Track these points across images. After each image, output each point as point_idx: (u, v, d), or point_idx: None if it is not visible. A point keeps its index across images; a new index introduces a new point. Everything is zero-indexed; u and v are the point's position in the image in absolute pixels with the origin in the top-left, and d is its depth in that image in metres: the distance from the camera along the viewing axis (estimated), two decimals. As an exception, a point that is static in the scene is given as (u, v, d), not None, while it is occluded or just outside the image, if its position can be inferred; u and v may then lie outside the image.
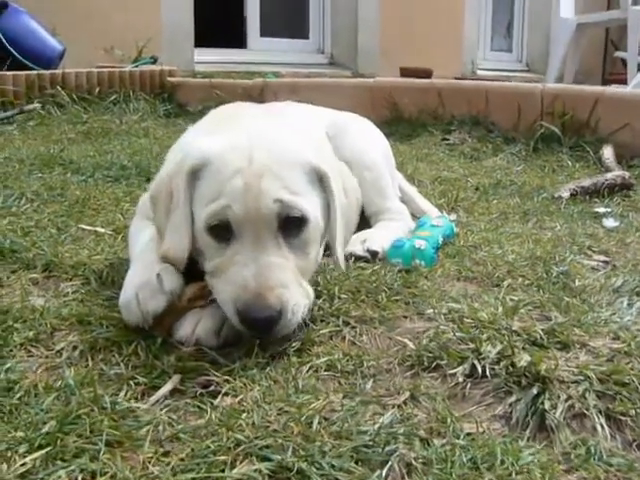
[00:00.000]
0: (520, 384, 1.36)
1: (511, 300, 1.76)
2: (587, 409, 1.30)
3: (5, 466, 1.08)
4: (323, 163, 1.65)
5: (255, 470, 1.09)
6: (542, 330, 1.55)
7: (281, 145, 1.64)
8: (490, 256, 2.17)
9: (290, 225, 1.56)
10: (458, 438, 1.21)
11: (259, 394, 1.32)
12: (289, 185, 1.56)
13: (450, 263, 2.10)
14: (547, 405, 1.30)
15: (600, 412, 1.30)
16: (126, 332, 1.53)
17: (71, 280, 1.87)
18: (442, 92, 4.71)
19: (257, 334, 1.49)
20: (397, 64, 7.46)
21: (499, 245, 2.30)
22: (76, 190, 2.84)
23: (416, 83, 5.15)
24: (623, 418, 1.29)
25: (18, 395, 1.27)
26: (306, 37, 8.46)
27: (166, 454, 1.14)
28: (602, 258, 2.25)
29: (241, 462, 1.11)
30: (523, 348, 1.48)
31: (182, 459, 1.12)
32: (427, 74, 6.86)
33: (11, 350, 1.46)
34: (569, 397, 1.32)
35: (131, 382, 1.35)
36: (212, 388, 1.34)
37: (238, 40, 7.95)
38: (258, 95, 5.28)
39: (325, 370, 1.43)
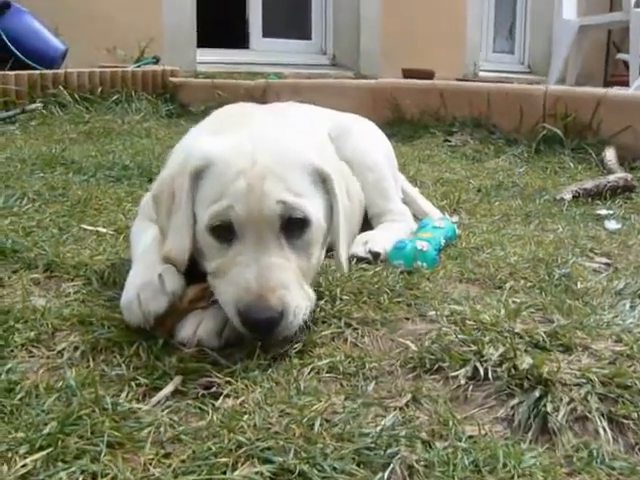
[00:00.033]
0: (522, 387, 1.36)
1: (513, 302, 1.76)
2: (589, 412, 1.29)
3: (5, 467, 1.07)
4: (326, 165, 1.65)
5: (257, 472, 1.09)
6: (544, 333, 1.54)
7: (284, 146, 1.63)
8: (492, 258, 2.16)
9: (293, 226, 1.56)
10: (460, 441, 1.20)
11: (261, 396, 1.31)
12: (292, 187, 1.56)
13: (452, 265, 2.10)
14: (549, 408, 1.30)
15: (602, 415, 1.29)
16: (127, 333, 1.53)
17: (72, 280, 1.87)
18: (444, 93, 4.71)
19: (258, 335, 1.49)
20: (399, 65, 7.46)
21: (501, 247, 2.29)
22: (78, 190, 2.84)
23: (418, 84, 5.15)
24: (625, 421, 1.29)
25: (19, 396, 1.27)
26: (308, 38, 8.46)
27: (167, 456, 1.13)
28: (604, 260, 2.25)
29: (242, 464, 1.11)
30: (525, 351, 1.47)
31: (183, 461, 1.12)
32: (429, 75, 6.86)
33: (12, 350, 1.46)
34: (571, 400, 1.32)
35: (132, 383, 1.35)
36: (213, 389, 1.34)
37: (240, 40, 7.96)
38: (260, 96, 5.28)
39: (327, 372, 1.43)
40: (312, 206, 1.59)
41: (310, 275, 1.62)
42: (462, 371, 1.42)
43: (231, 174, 1.54)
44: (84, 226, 2.35)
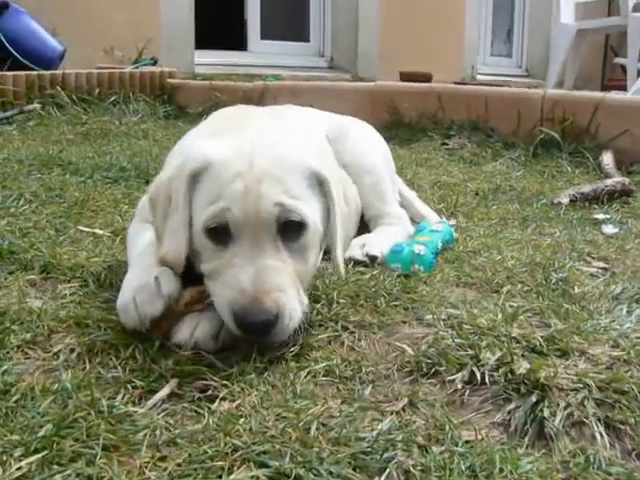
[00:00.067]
0: (519, 391, 1.36)
1: (510, 306, 1.75)
2: (586, 417, 1.29)
3: (0, 470, 1.07)
4: (323, 168, 1.64)
5: (252, 476, 1.08)
6: (541, 337, 1.54)
7: (282, 150, 1.63)
8: (489, 262, 2.16)
9: (289, 229, 1.55)
10: (457, 445, 1.20)
11: (257, 399, 1.31)
12: (289, 189, 1.56)
13: (449, 268, 2.10)
14: (546, 413, 1.29)
15: (599, 420, 1.29)
16: (124, 335, 1.53)
17: (69, 282, 1.86)
18: (442, 97, 4.71)
19: (253, 338, 1.48)
20: (397, 68, 7.46)
21: (498, 251, 2.29)
22: (75, 191, 2.84)
23: (416, 87, 5.15)
24: (622, 427, 1.29)
25: (14, 398, 1.26)
26: (306, 40, 8.46)
27: (163, 459, 1.13)
28: (601, 265, 2.24)
29: (238, 468, 1.10)
30: (522, 355, 1.47)
31: (179, 464, 1.11)
32: (427, 78, 6.86)
33: (8, 352, 1.46)
34: (568, 405, 1.31)
35: (128, 386, 1.34)
36: (210, 392, 1.34)
37: (238, 42, 7.96)
38: (258, 98, 5.28)
39: (323, 375, 1.42)
40: (309, 209, 1.58)
41: (306, 279, 1.62)
42: (459, 375, 1.42)
43: (228, 176, 1.54)
44: (81, 227, 2.35)
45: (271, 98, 5.18)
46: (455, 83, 6.77)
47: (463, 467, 1.13)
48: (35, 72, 5.12)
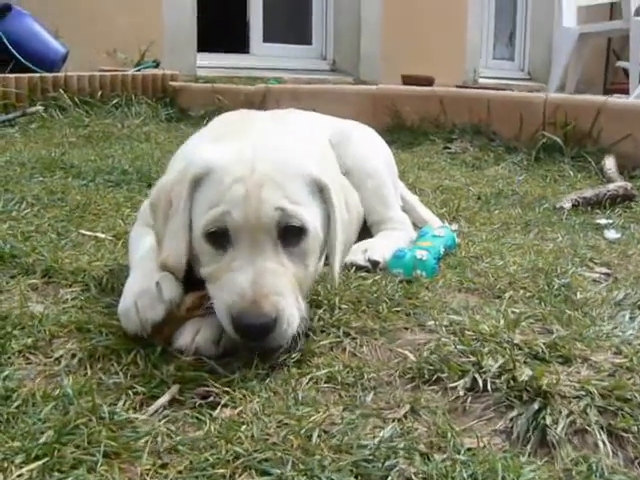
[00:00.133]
0: (521, 399, 1.35)
1: (513, 312, 1.75)
2: (589, 425, 1.29)
3: (1, 477, 1.07)
4: (324, 175, 1.64)
5: (254, 484, 1.08)
6: (544, 344, 1.54)
7: (284, 155, 1.63)
8: (491, 267, 2.16)
9: (289, 234, 1.55)
10: (459, 453, 1.20)
11: (258, 406, 1.31)
12: (290, 195, 1.55)
13: (451, 274, 2.09)
14: (548, 420, 1.29)
15: (602, 428, 1.29)
16: (125, 340, 1.53)
17: (71, 286, 1.86)
18: (444, 100, 4.71)
19: (251, 342, 1.48)
20: (399, 71, 7.46)
21: (500, 256, 2.29)
22: (77, 195, 2.84)
23: (418, 91, 5.15)
24: (625, 434, 1.28)
25: (16, 404, 1.26)
26: (309, 43, 8.46)
27: (164, 466, 1.13)
28: (604, 270, 2.24)
29: (240, 475, 1.10)
30: (524, 362, 1.47)
31: (180, 472, 1.11)
32: (428, 82, 6.86)
33: (9, 357, 1.45)
34: (570, 412, 1.31)
35: (130, 392, 1.34)
36: (211, 399, 1.34)
37: (241, 45, 7.96)
38: (260, 101, 5.28)
39: (325, 382, 1.42)
40: (310, 215, 1.58)
41: (306, 285, 1.61)
42: (461, 382, 1.42)
43: (229, 181, 1.54)
44: (83, 231, 2.35)
45: (273, 101, 5.18)
46: (457, 87, 6.76)
47: (465, 475, 1.13)
48: (38, 74, 5.12)
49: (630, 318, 1.77)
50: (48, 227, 2.35)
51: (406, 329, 1.70)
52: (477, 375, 1.42)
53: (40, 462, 1.09)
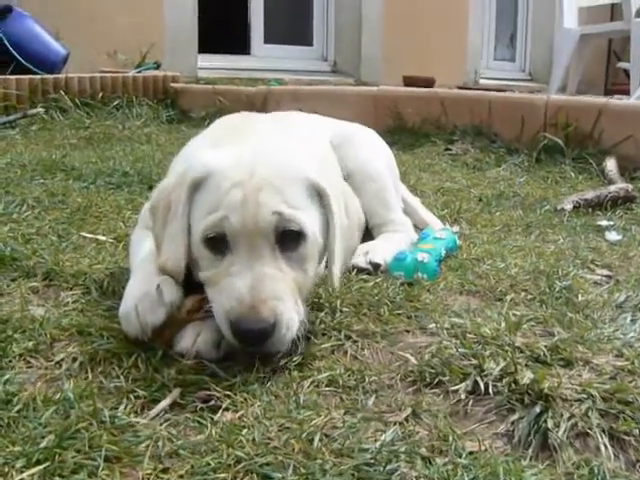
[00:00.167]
0: (523, 402, 1.35)
1: (514, 315, 1.75)
2: (590, 428, 1.28)
3: (2, 481, 1.07)
4: (323, 180, 1.63)
5: (255, 488, 1.08)
6: (545, 347, 1.53)
7: (283, 160, 1.62)
8: (493, 269, 2.16)
9: (288, 239, 1.54)
10: (460, 457, 1.19)
11: (260, 409, 1.31)
12: (288, 199, 1.55)
13: (453, 276, 2.09)
14: (550, 424, 1.29)
15: (603, 431, 1.28)
16: (126, 344, 1.52)
17: (71, 289, 1.86)
18: (445, 102, 4.71)
19: (249, 347, 1.48)
20: (400, 72, 7.46)
21: (502, 258, 2.29)
22: (78, 197, 2.84)
23: (419, 92, 5.15)
24: (627, 438, 1.28)
25: (16, 408, 1.26)
26: (310, 44, 8.46)
27: (165, 471, 1.13)
28: (605, 272, 2.24)
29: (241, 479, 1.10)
30: (526, 365, 1.46)
31: (181, 476, 1.11)
32: (429, 83, 6.86)
33: (10, 361, 1.45)
34: (572, 416, 1.31)
35: (131, 395, 1.34)
36: (212, 403, 1.33)
37: (241, 46, 7.96)
38: (261, 103, 5.28)
39: (326, 385, 1.42)
40: (308, 219, 1.57)
41: (305, 289, 1.60)
42: (462, 385, 1.42)
43: (228, 186, 1.54)
44: (83, 234, 2.35)
45: (274, 102, 5.18)
46: (459, 88, 6.76)
47: (467, 479, 1.13)
48: (38, 76, 5.12)
49: (631, 320, 1.77)
50: (49, 230, 2.35)
51: (407, 332, 1.70)
52: (478, 378, 1.42)
53: (41, 467, 1.09)
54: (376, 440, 1.22)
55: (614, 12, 9.73)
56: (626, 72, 8.05)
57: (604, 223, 2.89)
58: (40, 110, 4.85)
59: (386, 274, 2.06)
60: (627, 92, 6.71)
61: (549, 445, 1.26)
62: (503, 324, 1.66)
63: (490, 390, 1.39)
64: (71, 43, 5.71)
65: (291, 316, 1.48)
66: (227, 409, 1.31)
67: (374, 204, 2.32)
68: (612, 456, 1.24)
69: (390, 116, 4.83)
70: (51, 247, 2.14)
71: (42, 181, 3.10)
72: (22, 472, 1.08)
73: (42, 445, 1.13)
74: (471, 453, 1.21)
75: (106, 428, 1.20)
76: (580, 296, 1.95)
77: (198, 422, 1.27)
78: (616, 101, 4.42)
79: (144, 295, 1.54)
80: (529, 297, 1.94)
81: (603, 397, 1.35)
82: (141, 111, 5.41)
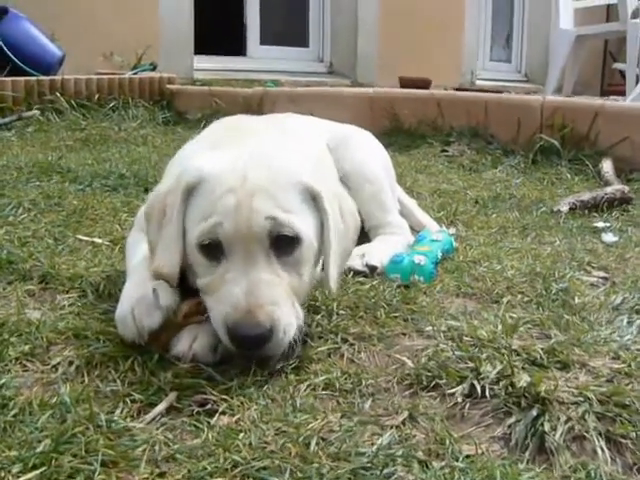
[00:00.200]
0: (520, 405, 1.35)
1: (510, 318, 1.75)
2: (587, 431, 1.28)
3: (-1, 486, 1.06)
4: (318, 183, 1.62)
5: (252, 493, 1.08)
6: (542, 349, 1.53)
7: (277, 164, 1.61)
8: (489, 272, 2.16)
9: (282, 243, 1.54)
10: (457, 460, 1.19)
11: (256, 413, 1.30)
12: (282, 204, 1.54)
13: (449, 279, 2.09)
14: (547, 427, 1.29)
15: (600, 434, 1.28)
16: (123, 347, 1.52)
17: (68, 292, 1.86)
18: (441, 103, 4.71)
19: (247, 352, 1.47)
20: (396, 73, 7.45)
21: (498, 260, 2.29)
22: (74, 199, 2.83)
23: (415, 93, 5.15)
24: (624, 441, 1.28)
25: (13, 412, 1.25)
26: (306, 45, 8.46)
27: (162, 475, 1.12)
28: (601, 274, 2.24)
29: (238, 484, 1.10)
30: (523, 368, 1.46)
31: (178, 480, 1.11)
32: (426, 84, 6.86)
33: (6, 365, 1.45)
34: (569, 419, 1.31)
35: (127, 399, 1.34)
36: (209, 406, 1.33)
37: (238, 48, 7.95)
38: (257, 104, 5.27)
39: (323, 389, 1.42)
40: (302, 224, 1.56)
41: (302, 294, 1.60)
42: (459, 388, 1.42)
43: (221, 191, 1.53)
44: (80, 236, 2.34)
45: (270, 104, 5.18)
46: (455, 89, 6.77)
47: (464, 483, 1.13)
48: (34, 78, 5.11)
49: (628, 322, 1.77)
50: (45, 232, 2.34)
51: (404, 335, 1.70)
52: (475, 381, 1.42)
53: (37, 471, 1.09)
54: (373, 444, 1.22)
55: (610, 13, 9.74)
56: (622, 73, 8.06)
57: (600, 225, 2.89)
58: (36, 112, 4.84)
59: (382, 276, 2.06)
60: (623, 93, 6.73)
61: (546, 448, 1.26)
62: (500, 327, 1.66)
63: (487, 393, 1.39)
64: (67, 45, 5.69)
65: (288, 320, 1.48)
66: (224, 413, 1.31)
67: (370, 206, 2.32)
68: (609, 459, 1.24)
69: (386, 117, 4.84)
70: (47, 250, 2.14)
71: (38, 183, 3.09)
72: (18, 477, 1.08)
73: (38, 449, 1.13)
74: (468, 456, 1.21)
75: (102, 432, 1.20)
76: (576, 298, 1.95)
77: (195, 426, 1.27)
78: (612, 102, 4.44)
79: (141, 298, 1.54)
80: (525, 299, 1.94)
81: (600, 400, 1.35)
82: (137, 113, 5.40)
